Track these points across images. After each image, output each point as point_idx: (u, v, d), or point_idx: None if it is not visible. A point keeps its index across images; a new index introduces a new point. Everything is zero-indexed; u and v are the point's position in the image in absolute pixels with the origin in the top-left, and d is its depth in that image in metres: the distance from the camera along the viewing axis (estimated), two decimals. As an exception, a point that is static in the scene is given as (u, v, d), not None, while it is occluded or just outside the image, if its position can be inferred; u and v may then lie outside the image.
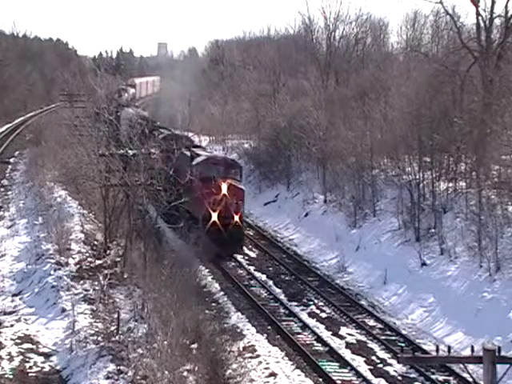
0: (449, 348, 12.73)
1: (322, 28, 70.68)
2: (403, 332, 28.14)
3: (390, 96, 45.78)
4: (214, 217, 36.98)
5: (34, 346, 22.44)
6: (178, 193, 36.71)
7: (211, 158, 40.18)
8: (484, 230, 32.06)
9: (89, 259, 29.68)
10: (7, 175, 54.84)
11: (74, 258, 29.63)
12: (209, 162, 39.18)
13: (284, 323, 28.31)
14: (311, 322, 28.86)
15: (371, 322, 29.15)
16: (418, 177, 39.07)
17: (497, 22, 43.81)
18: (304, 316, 29.55)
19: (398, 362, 12.40)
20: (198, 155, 40.42)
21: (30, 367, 21.12)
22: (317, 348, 26.16)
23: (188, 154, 40.75)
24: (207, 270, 34.56)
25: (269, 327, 27.99)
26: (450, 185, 38.70)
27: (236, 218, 37.74)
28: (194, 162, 39.20)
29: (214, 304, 30.28)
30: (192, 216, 38.50)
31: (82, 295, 25.76)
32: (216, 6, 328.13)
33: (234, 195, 37.98)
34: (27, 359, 21.56)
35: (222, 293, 31.82)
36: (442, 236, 34.56)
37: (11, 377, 20.25)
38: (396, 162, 41.83)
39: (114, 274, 27.71)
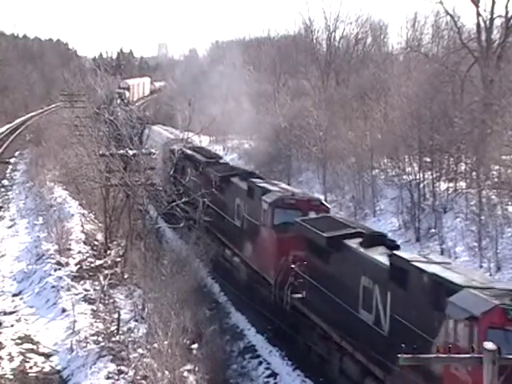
0: (449, 348, 12.73)
1: (322, 28, 70.81)
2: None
3: (390, 96, 45.84)
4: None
5: (35, 346, 22.43)
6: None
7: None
8: (484, 230, 32.08)
9: (89, 259, 29.67)
10: (7, 175, 54.84)
11: (74, 258, 29.63)
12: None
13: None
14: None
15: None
16: (418, 177, 39.11)
17: (497, 22, 43.87)
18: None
19: (398, 363, 12.27)
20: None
21: (31, 367, 21.12)
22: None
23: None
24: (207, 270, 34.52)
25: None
26: (451, 185, 38.74)
27: None
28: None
29: (214, 304, 30.27)
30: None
31: (82, 295, 25.75)
32: (216, 6, 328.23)
33: None
34: (27, 359, 21.55)
35: (222, 293, 31.79)
36: (443, 236, 34.57)
37: (11, 377, 20.27)
38: (396, 162, 41.87)
39: (114, 274, 27.70)
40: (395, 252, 19.31)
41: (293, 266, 25.05)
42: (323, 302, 22.30)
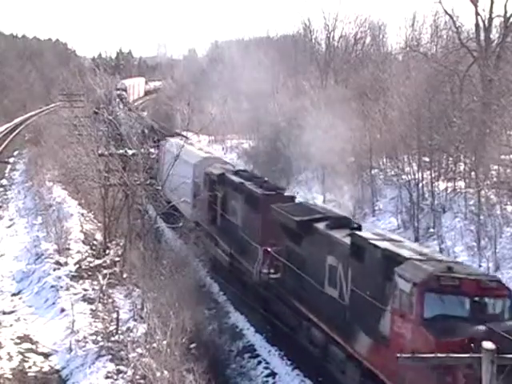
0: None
1: (321, 28, 70.87)
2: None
3: (389, 96, 45.85)
4: None
5: (34, 346, 22.42)
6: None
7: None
8: (483, 229, 32.09)
9: (88, 259, 29.65)
10: (6, 175, 54.82)
11: (73, 258, 29.61)
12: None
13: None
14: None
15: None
16: (417, 177, 39.12)
17: (496, 21, 43.90)
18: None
19: (398, 363, 12.94)
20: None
21: (30, 367, 21.10)
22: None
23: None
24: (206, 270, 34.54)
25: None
26: (449, 185, 38.76)
27: None
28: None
29: (213, 304, 30.29)
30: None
31: (81, 295, 25.73)
32: (215, 6, 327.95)
33: None
34: (26, 359, 21.53)
35: (221, 292, 31.82)
36: (441, 236, 34.59)
37: (10, 376, 20.26)
38: (395, 161, 41.90)
39: (113, 273, 27.69)
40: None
41: (269, 249, 26.98)
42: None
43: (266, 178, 32.56)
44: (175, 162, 31.20)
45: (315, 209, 25.63)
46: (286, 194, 30.31)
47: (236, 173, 33.50)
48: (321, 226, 23.12)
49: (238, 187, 31.18)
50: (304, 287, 23.60)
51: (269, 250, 26.88)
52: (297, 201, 29.85)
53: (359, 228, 22.71)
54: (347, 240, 21.02)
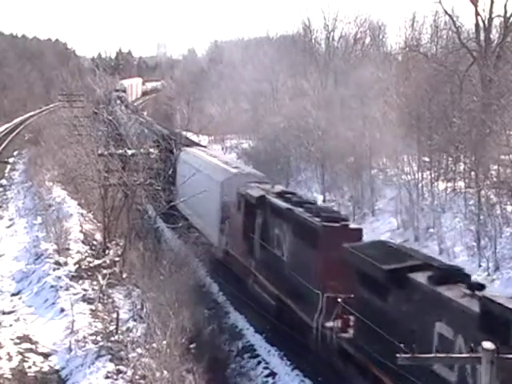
0: None
1: (321, 28, 70.90)
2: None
3: (388, 96, 45.81)
4: None
5: (33, 346, 22.40)
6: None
7: None
8: (483, 229, 32.08)
9: (88, 259, 29.64)
10: (6, 175, 54.80)
11: (73, 258, 29.60)
12: None
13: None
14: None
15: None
16: (416, 177, 39.11)
17: (496, 21, 43.92)
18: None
19: (398, 363, 11.90)
20: None
21: (29, 367, 21.08)
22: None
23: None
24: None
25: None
26: (449, 185, 38.77)
27: None
28: None
29: (212, 303, 30.28)
30: None
31: (80, 295, 25.71)
32: (215, 6, 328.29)
33: None
34: (26, 359, 21.51)
35: (220, 292, 31.80)
36: (441, 236, 34.58)
37: (10, 376, 20.26)
38: (395, 161, 41.88)
39: (112, 273, 27.68)
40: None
41: (338, 299, 20.72)
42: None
43: (318, 202, 27.13)
44: (194, 175, 28.93)
45: (404, 251, 19.42)
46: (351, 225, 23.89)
47: (280, 195, 27.44)
48: (421, 278, 17.05)
49: (284, 214, 25.48)
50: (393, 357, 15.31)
51: (338, 300, 20.57)
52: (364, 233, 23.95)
53: (481, 285, 16.29)
54: (472, 305, 15.06)
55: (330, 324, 21.05)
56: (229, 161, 38.76)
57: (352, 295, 20.10)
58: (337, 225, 22.52)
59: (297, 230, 24.25)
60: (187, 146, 42.99)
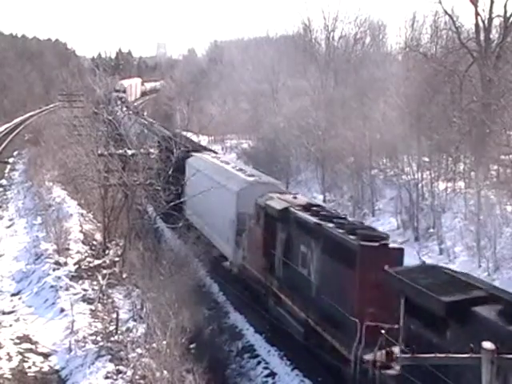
0: None
1: (321, 28, 70.89)
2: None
3: (388, 96, 45.83)
4: None
5: (33, 346, 22.39)
6: None
7: None
8: (483, 229, 32.08)
9: (88, 259, 29.63)
10: (6, 175, 54.80)
11: (72, 258, 29.60)
12: None
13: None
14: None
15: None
16: (416, 177, 39.11)
17: (496, 21, 43.92)
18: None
19: (397, 363, 11.58)
20: None
21: (29, 367, 21.07)
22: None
23: None
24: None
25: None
26: (449, 185, 38.77)
27: None
28: None
29: (212, 304, 30.27)
30: None
31: (80, 295, 25.71)
32: (215, 6, 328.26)
33: None
34: (26, 359, 21.50)
35: (220, 292, 31.79)
36: (441, 236, 34.59)
37: (10, 376, 20.26)
38: (395, 161, 41.89)
39: (112, 273, 27.67)
40: None
41: (382, 331, 17.76)
42: None
43: (350, 219, 24.55)
44: (204, 182, 27.16)
45: (463, 279, 16.32)
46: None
47: (306, 208, 24.83)
48: (488, 313, 14.43)
49: (312, 229, 23.01)
50: None
51: (382, 330, 17.62)
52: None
53: None
54: None
55: (369, 357, 18.47)
56: (244, 168, 36.35)
57: (396, 325, 17.34)
58: (376, 244, 20.14)
59: (328, 248, 21.86)
60: (196, 150, 40.72)
